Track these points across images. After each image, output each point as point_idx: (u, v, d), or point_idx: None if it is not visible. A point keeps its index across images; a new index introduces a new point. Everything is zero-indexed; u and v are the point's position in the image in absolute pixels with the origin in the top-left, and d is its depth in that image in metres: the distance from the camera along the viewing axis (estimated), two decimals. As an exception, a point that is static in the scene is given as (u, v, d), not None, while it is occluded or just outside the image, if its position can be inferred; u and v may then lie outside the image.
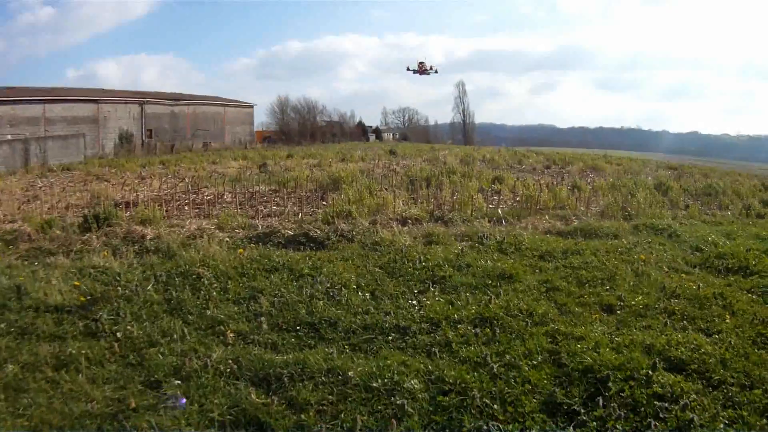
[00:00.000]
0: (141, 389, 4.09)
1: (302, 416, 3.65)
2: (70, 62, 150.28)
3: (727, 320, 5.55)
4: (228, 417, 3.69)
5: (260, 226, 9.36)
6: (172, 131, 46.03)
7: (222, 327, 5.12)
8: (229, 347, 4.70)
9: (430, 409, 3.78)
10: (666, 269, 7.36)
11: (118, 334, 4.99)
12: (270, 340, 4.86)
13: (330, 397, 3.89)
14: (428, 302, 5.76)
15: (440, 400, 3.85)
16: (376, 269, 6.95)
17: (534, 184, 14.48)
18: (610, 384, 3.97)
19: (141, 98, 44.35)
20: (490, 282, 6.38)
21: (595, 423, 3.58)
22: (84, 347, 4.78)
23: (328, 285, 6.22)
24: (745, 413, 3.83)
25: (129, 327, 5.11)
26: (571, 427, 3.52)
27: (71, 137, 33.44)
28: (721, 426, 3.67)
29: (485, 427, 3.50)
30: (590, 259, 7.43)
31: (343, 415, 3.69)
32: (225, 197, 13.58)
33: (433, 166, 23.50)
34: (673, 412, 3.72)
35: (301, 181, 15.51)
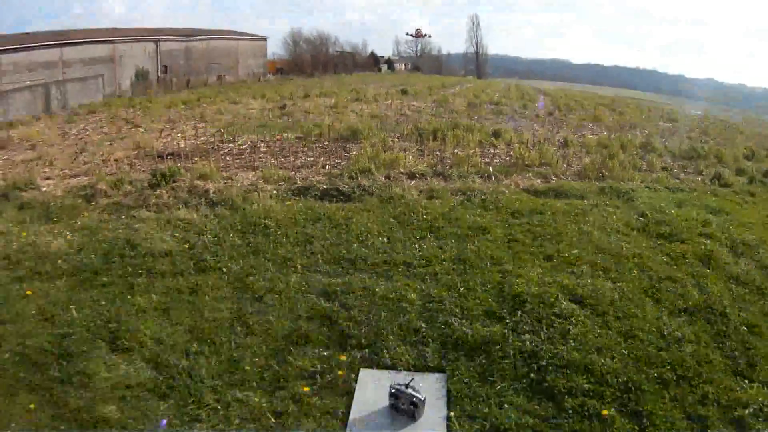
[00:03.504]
0: (253, 302, 7.07)
1: (351, 312, 6.72)
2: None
3: (634, 273, 8.07)
4: (306, 314, 6.75)
5: (298, 180, 12.09)
6: (186, 66, 48.37)
7: (291, 261, 8.08)
8: (299, 275, 7.68)
9: (421, 310, 6.81)
10: (607, 230, 9.71)
11: (223, 269, 7.88)
12: (324, 270, 7.84)
13: (365, 302, 6.95)
14: (425, 246, 8.69)
15: (427, 305, 6.90)
16: (391, 219, 9.79)
17: (526, 141, 17.05)
18: (527, 304, 6.90)
19: (156, 35, 46.51)
20: (470, 233, 9.23)
21: (512, 324, 6.55)
22: (201, 279, 7.63)
23: (358, 232, 9.11)
24: (613, 333, 6.53)
25: (228, 264, 8.00)
26: (499, 325, 6.56)
27: (90, 78, 35.59)
28: (590, 336, 6.41)
29: (450, 320, 6.54)
30: (548, 218, 10.07)
31: (371, 311, 6.77)
32: (259, 147, 16.23)
33: (441, 108, 26.14)
34: (561, 324, 6.60)
35: (323, 129, 18.33)
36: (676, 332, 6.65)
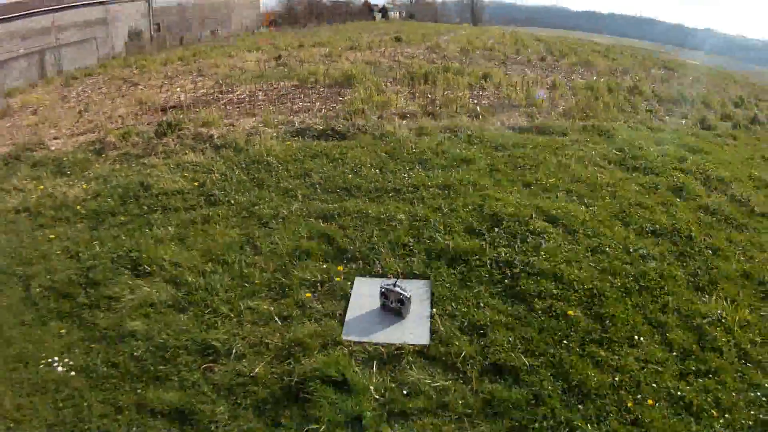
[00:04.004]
0: (259, 227, 7.92)
1: (347, 231, 7.59)
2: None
3: (606, 200, 8.81)
4: (307, 235, 7.59)
5: (296, 123, 12.72)
6: (180, 23, 48.22)
7: (292, 192, 8.90)
8: (300, 203, 8.52)
9: (409, 228, 7.70)
10: (585, 162, 10.38)
11: (231, 201, 8.69)
12: (323, 198, 8.68)
13: (359, 223, 7.84)
14: (414, 175, 9.47)
15: (414, 223, 7.78)
16: (383, 154, 10.50)
17: (515, 83, 17.54)
18: (503, 222, 7.72)
19: (149, -6, 46.37)
20: (455, 164, 9.98)
21: (489, 238, 7.38)
22: (212, 211, 8.44)
23: (352, 165, 9.88)
24: (581, 248, 7.35)
25: (236, 197, 8.81)
26: (478, 239, 7.39)
27: (84, 42, 35.49)
28: (560, 250, 7.22)
29: (434, 236, 7.40)
30: (530, 151, 10.76)
31: (364, 230, 7.65)
32: (257, 96, 16.78)
33: (434, 54, 26.55)
34: (534, 239, 7.40)
35: (318, 77, 18.90)
36: (641, 250, 7.46)
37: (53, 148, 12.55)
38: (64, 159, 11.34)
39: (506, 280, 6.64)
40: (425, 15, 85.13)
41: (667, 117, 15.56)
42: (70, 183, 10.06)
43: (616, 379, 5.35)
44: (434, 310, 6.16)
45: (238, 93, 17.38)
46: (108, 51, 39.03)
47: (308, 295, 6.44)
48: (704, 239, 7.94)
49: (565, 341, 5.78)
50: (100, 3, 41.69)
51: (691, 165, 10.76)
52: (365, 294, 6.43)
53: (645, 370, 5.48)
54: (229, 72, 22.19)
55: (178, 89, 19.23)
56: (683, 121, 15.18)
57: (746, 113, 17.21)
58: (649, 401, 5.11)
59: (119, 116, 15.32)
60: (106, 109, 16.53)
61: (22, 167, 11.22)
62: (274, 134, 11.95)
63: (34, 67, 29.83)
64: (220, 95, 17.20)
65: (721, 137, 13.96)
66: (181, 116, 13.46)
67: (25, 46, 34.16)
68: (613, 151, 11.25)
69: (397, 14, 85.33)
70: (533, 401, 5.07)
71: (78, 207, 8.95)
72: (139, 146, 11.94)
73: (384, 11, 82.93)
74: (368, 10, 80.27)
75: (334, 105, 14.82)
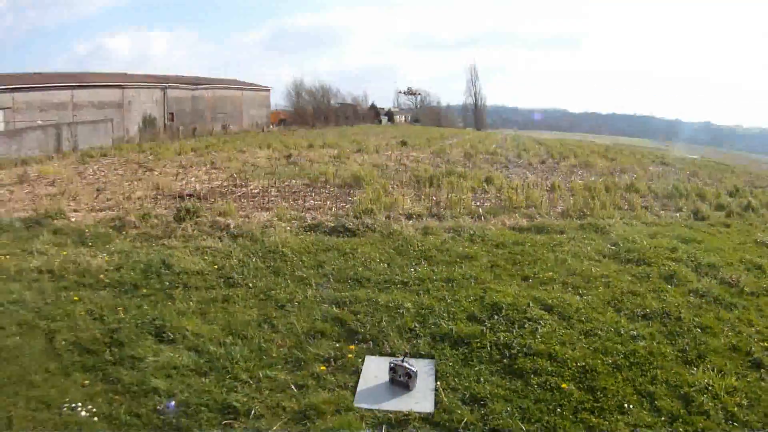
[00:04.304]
0: (276, 308, 8.64)
1: (358, 316, 8.30)
2: (79, 35, 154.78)
3: (600, 289, 9.61)
4: (321, 317, 8.32)
5: (308, 219, 13.74)
6: (192, 114, 50.70)
7: (307, 280, 9.66)
8: (314, 290, 9.27)
9: (415, 314, 8.40)
10: (581, 257, 11.25)
11: (249, 285, 9.47)
12: (335, 287, 9.43)
13: (369, 309, 8.54)
14: (420, 269, 10.28)
15: (420, 311, 8.49)
16: (391, 250, 11.39)
17: (517, 185, 18.76)
18: (503, 311, 8.47)
19: (163, 82, 48.94)
20: (458, 260, 10.84)
21: (489, 324, 8.11)
22: (231, 291, 9.21)
23: (362, 259, 10.72)
24: (575, 331, 8.07)
25: (253, 281, 9.59)
26: (479, 325, 8.11)
27: (100, 122, 37.53)
28: (555, 334, 7.96)
29: (438, 322, 8.13)
30: (528, 248, 11.67)
31: (374, 315, 8.36)
32: (270, 191, 17.92)
33: (439, 158, 27.96)
34: (531, 325, 8.13)
35: (328, 176, 20.10)
36: (632, 332, 8.14)
37: (73, 219, 13.50)
38: (86, 231, 12.21)
39: (505, 360, 7.30)
40: (430, 119, 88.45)
41: (662, 212, 16.54)
42: (92, 253, 10.81)
43: (607, 441, 5.92)
44: (438, 383, 6.80)
45: (251, 187, 18.48)
46: (122, 134, 40.79)
47: (322, 368, 7.10)
48: (693, 319, 8.62)
49: (559, 410, 6.37)
50: (118, 86, 43.92)
51: (683, 254, 11.59)
52: (375, 370, 7.09)
53: (635, 432, 6.07)
54: (241, 167, 23.51)
55: (193, 179, 20.51)
56: (677, 214, 16.17)
57: (740, 201, 18.22)
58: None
59: (137, 198, 16.36)
60: (123, 190, 17.53)
61: (43, 233, 12.03)
62: (288, 228, 12.88)
63: (51, 140, 31.12)
64: (234, 188, 18.24)
65: (715, 226, 14.92)
66: (198, 204, 14.45)
67: (42, 118, 35.86)
68: (608, 245, 12.13)
69: (403, 118, 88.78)
70: (530, 462, 5.63)
71: (101, 276, 9.69)
72: (158, 228, 12.87)
73: (390, 115, 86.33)
74: (374, 114, 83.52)
75: (344, 204, 15.90)
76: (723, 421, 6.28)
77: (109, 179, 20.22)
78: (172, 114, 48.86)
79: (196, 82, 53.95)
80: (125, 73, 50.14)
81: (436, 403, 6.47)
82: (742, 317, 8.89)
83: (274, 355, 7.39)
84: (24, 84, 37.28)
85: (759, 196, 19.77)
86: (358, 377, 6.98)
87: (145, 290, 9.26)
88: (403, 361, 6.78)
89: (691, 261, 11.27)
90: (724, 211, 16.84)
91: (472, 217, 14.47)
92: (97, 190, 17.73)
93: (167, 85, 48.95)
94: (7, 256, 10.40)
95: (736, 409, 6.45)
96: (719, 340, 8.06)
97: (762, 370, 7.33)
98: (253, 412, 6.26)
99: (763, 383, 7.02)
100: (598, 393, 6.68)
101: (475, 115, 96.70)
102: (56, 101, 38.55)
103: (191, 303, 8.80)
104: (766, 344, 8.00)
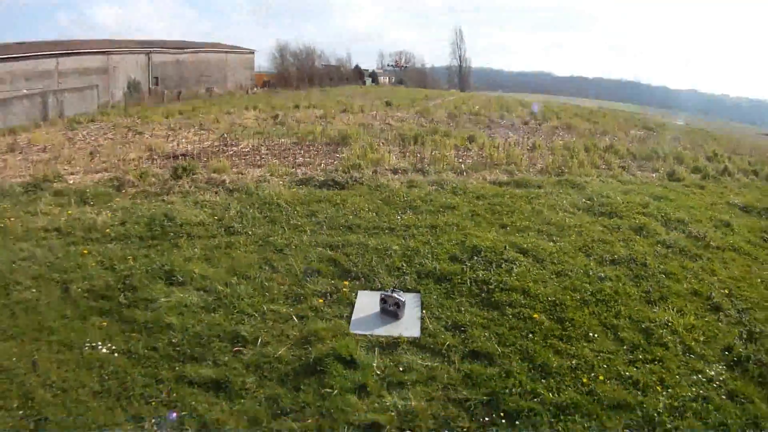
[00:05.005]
0: (275, 252, 9.43)
1: (350, 257, 9.15)
2: (62, 6, 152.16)
3: (572, 237, 10.52)
4: (317, 259, 9.13)
5: (299, 174, 14.45)
6: (177, 78, 50.68)
7: (301, 227, 10.46)
8: (308, 235, 10.08)
9: (402, 255, 9.30)
10: (556, 209, 12.09)
11: (249, 233, 10.22)
12: (328, 233, 10.25)
13: (360, 251, 9.41)
14: (406, 217, 11.14)
15: (407, 252, 9.38)
16: (378, 201, 12.17)
17: (498, 144, 19.48)
18: (482, 252, 9.36)
19: (147, 47, 48.66)
20: (441, 209, 11.67)
21: (469, 264, 8.99)
22: (232, 239, 9.96)
23: (352, 209, 11.51)
24: (547, 271, 9.00)
25: (252, 229, 10.35)
26: (459, 264, 8.97)
27: (86, 89, 37.28)
28: (529, 273, 8.85)
29: (423, 261, 9.02)
30: (507, 200, 12.51)
31: (365, 256, 9.21)
32: (260, 150, 18.45)
33: (423, 118, 28.56)
34: (507, 265, 9.00)
35: (316, 135, 20.74)
36: (600, 273, 9.08)
37: (71, 181, 13.96)
38: (86, 191, 12.72)
39: (483, 294, 8.21)
40: (414, 80, 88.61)
41: (638, 172, 17.27)
42: (96, 211, 11.41)
43: (574, 362, 6.82)
44: (424, 313, 7.71)
45: (242, 147, 19.04)
46: (107, 100, 40.68)
47: (320, 301, 7.96)
48: (658, 266, 9.55)
49: (531, 336, 7.30)
50: (102, 52, 43.79)
51: (653, 210, 12.50)
52: (367, 302, 7.96)
53: (598, 357, 6.96)
54: (229, 127, 23.86)
55: (183, 140, 20.77)
56: (654, 175, 16.94)
57: (717, 166, 18.97)
58: (601, 377, 6.57)
59: (131, 160, 16.71)
60: (116, 152, 17.83)
61: (45, 195, 12.52)
62: (281, 183, 13.57)
63: (37, 108, 30.90)
64: (225, 147, 18.82)
65: (689, 187, 15.74)
66: (193, 162, 15.06)
67: (27, 87, 35.65)
68: (583, 200, 12.98)
69: (387, 79, 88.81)
70: (505, 375, 6.51)
71: (107, 230, 10.33)
72: (156, 185, 13.45)
73: (374, 76, 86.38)
74: (359, 75, 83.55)
75: (332, 160, 16.54)
76: (681, 353, 7.20)
77: (100, 143, 20.41)
78: (156, 78, 48.78)
79: (180, 46, 53.60)
80: (110, 40, 49.69)
81: (422, 329, 7.37)
82: (705, 267, 9.82)
83: (275, 292, 8.21)
84: (8, 54, 37.08)
85: (736, 162, 20.50)
86: (352, 309, 7.86)
87: (151, 241, 9.95)
88: (392, 292, 7.66)
89: (662, 216, 12.14)
90: (701, 174, 17.57)
91: (454, 173, 15.17)
92: (90, 153, 18.00)
93: (151, 50, 48.62)
94: (12, 219, 10.92)
95: (693, 343, 7.39)
96: (682, 285, 9.00)
97: (720, 313, 8.29)
98: (260, 339, 7.10)
99: (720, 324, 7.98)
100: (567, 323, 7.61)
101: (460, 76, 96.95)
102: (41, 69, 38.19)
103: (196, 250, 9.54)
104: (726, 291, 8.95)
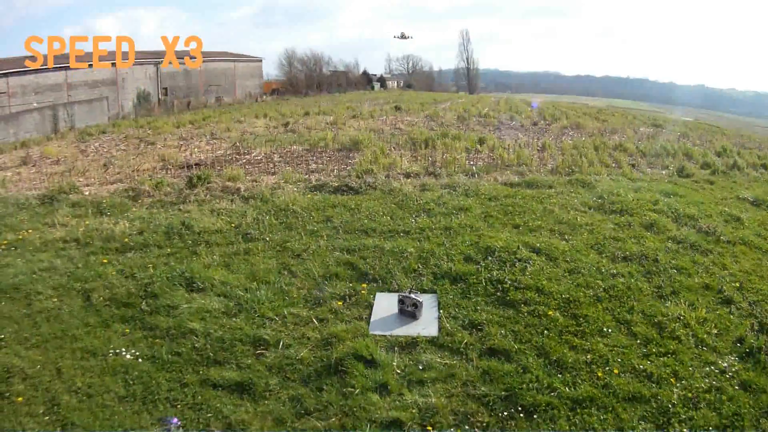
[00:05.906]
0: (293, 257, 9.67)
1: (367, 261, 9.36)
2: (68, 20, 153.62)
3: (584, 235, 10.67)
4: (335, 263, 9.36)
5: (313, 180, 14.65)
6: (186, 88, 51.14)
7: (318, 233, 10.68)
8: (325, 240, 10.30)
9: (418, 257, 9.50)
10: (567, 208, 12.25)
11: (266, 239, 10.45)
12: (344, 237, 10.47)
13: (376, 254, 9.60)
14: (420, 220, 11.32)
15: (422, 255, 9.56)
16: (392, 205, 12.38)
17: (509, 145, 19.69)
18: (496, 252, 9.55)
19: (156, 58, 49.00)
20: (454, 212, 11.86)
21: (484, 264, 9.17)
22: (250, 245, 10.18)
23: (367, 213, 11.73)
24: (560, 270, 9.15)
25: (269, 235, 10.59)
26: (474, 265, 9.16)
27: (95, 101, 37.76)
28: (543, 271, 9.03)
29: (438, 263, 9.21)
30: (518, 201, 12.67)
31: (381, 259, 9.42)
32: (273, 157, 18.68)
33: (433, 122, 28.72)
34: (521, 264, 9.18)
35: (327, 141, 20.97)
36: (612, 270, 9.26)
37: (87, 192, 14.21)
38: (102, 202, 13.02)
39: (498, 293, 8.40)
40: (422, 84, 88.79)
41: (648, 169, 17.39)
42: (113, 221, 11.66)
43: (588, 357, 7.02)
44: (441, 312, 7.92)
45: (254, 155, 19.28)
46: (117, 111, 41.03)
47: (339, 303, 8.18)
48: (670, 261, 9.70)
49: (546, 332, 7.51)
50: (111, 64, 44.10)
51: (664, 206, 12.61)
52: (385, 304, 8.19)
53: (613, 351, 7.15)
54: (241, 136, 24.11)
55: (196, 149, 21.02)
56: (663, 172, 17.06)
57: (726, 161, 19.04)
58: (615, 371, 6.76)
59: (145, 170, 16.97)
60: (130, 163, 18.12)
61: (61, 206, 12.79)
62: (295, 189, 13.78)
63: (47, 121, 31.19)
64: (237, 156, 19.06)
65: (699, 183, 15.90)
66: (207, 171, 15.26)
67: (37, 100, 36.01)
68: (594, 198, 13.13)
69: (395, 84, 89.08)
70: (522, 371, 6.72)
71: (126, 240, 10.60)
72: (172, 195, 13.72)
73: (382, 81, 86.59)
74: (367, 80, 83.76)
75: (345, 166, 16.74)
76: (693, 345, 7.38)
77: (113, 155, 20.67)
78: (165, 89, 49.24)
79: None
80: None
81: (439, 328, 7.58)
82: (716, 261, 9.97)
83: (295, 296, 8.44)
84: (18, 68, 37.39)
85: (746, 156, 20.51)
86: (371, 310, 8.08)
87: (169, 249, 10.21)
88: (410, 293, 7.88)
89: (672, 212, 12.27)
90: (710, 169, 17.66)
91: (466, 175, 15.34)
92: (104, 165, 18.24)
93: (160, 60, 49.14)
94: (30, 231, 11.18)
95: (705, 336, 7.57)
96: (693, 279, 9.17)
97: (732, 306, 8.45)
98: (281, 342, 7.33)
99: (732, 316, 8.15)
100: (581, 320, 7.80)
101: (468, 79, 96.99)
102: (51, 82, 38.49)
103: (215, 257, 9.78)
104: (737, 284, 9.09)
